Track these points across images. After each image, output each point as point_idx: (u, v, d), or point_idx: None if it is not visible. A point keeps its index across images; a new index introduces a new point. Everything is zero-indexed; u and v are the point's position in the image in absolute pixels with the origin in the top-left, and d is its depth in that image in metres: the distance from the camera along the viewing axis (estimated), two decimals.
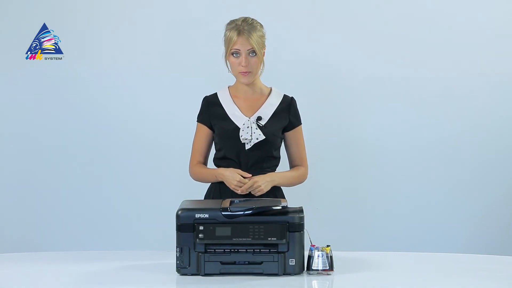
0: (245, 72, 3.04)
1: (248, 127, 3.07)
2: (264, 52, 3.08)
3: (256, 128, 3.07)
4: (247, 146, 3.07)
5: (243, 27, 3.03)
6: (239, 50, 3.03)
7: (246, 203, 2.65)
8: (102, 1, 4.15)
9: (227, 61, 3.08)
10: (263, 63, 3.09)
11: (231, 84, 3.18)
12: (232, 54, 3.04)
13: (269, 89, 3.17)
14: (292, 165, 3.19)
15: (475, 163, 4.17)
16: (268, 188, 3.04)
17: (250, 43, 3.02)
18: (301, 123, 3.18)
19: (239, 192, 2.99)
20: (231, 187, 3.00)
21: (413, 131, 4.15)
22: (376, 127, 4.16)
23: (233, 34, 3.03)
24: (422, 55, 4.12)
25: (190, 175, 3.16)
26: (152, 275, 2.60)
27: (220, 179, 3.07)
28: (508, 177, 4.17)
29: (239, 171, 3.03)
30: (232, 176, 3.00)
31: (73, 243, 4.14)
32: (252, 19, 3.08)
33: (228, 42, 3.05)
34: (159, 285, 2.52)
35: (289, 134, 3.15)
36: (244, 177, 3.01)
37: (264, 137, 3.06)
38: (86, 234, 4.17)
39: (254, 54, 3.03)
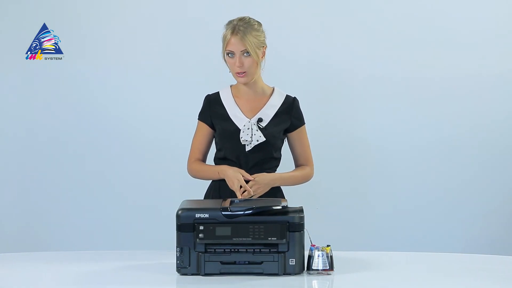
0: (241, 73, 3.03)
1: (248, 128, 3.06)
2: (264, 51, 3.07)
3: (257, 130, 3.06)
4: (247, 148, 3.07)
5: (238, 27, 3.01)
6: (233, 51, 3.02)
7: (246, 203, 2.65)
8: (102, 1, 4.15)
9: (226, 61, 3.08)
10: (263, 62, 3.08)
11: (233, 83, 3.17)
12: (227, 54, 3.04)
13: (272, 89, 3.15)
14: (297, 165, 3.18)
15: (475, 163, 4.17)
16: (266, 190, 3.03)
17: (243, 44, 2.99)
18: (304, 123, 3.16)
19: (239, 197, 2.96)
20: (232, 188, 2.99)
21: (413, 131, 4.15)
22: (376, 127, 4.16)
23: (228, 34, 3.02)
24: (422, 55, 4.12)
25: (188, 172, 3.15)
26: (152, 275, 2.60)
27: (222, 177, 3.04)
28: (508, 177, 4.16)
29: (243, 171, 3.00)
30: (235, 176, 2.96)
31: (73, 243, 4.14)
32: (250, 18, 3.06)
33: (223, 41, 3.04)
34: (159, 285, 2.51)
35: (293, 135, 3.14)
36: (247, 180, 2.99)
37: (265, 139, 3.06)
38: (86, 234, 4.17)
39: (249, 54, 3.02)
